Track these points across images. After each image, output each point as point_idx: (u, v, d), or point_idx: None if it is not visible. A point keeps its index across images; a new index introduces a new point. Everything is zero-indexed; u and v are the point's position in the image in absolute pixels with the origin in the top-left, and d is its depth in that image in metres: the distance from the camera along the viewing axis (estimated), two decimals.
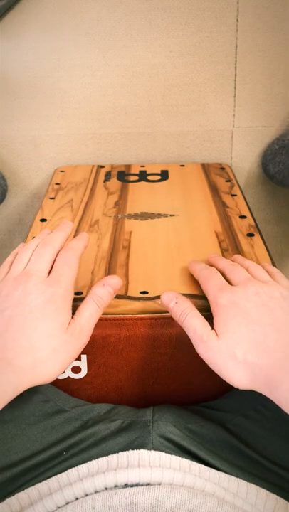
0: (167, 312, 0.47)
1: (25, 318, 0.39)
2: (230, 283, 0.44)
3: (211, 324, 0.41)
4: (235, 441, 0.42)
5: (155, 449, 0.40)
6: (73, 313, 0.42)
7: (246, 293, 0.42)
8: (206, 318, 0.42)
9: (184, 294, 0.48)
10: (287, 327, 0.39)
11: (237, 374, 0.38)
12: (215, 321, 0.41)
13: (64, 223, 0.50)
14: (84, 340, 0.41)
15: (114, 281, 0.44)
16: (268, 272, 0.46)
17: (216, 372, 0.40)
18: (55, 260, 0.45)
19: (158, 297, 0.48)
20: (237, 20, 0.81)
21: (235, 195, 0.72)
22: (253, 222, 0.63)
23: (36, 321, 0.39)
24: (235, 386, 0.39)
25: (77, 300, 0.47)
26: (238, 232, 0.60)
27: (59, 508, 0.36)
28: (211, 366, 0.40)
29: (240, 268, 0.46)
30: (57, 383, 0.48)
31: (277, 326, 0.39)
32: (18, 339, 0.38)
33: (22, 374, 0.37)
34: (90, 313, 0.42)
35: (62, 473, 0.39)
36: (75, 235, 0.60)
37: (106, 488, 0.37)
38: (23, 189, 0.94)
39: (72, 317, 0.41)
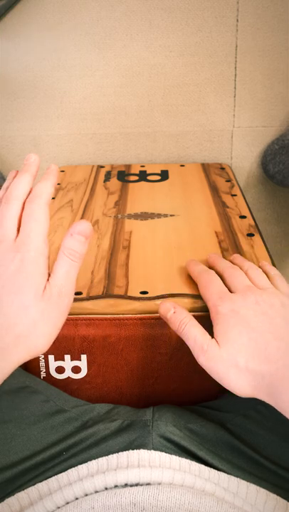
0: None
1: None
2: (229, 288, 0.44)
3: (210, 333, 0.41)
4: (236, 441, 0.42)
5: (155, 449, 0.40)
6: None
7: (246, 301, 0.41)
8: (205, 318, 0.42)
9: (184, 294, 0.48)
10: (288, 335, 0.39)
11: (239, 382, 0.38)
12: (215, 330, 0.41)
13: (27, 166, 0.43)
14: (65, 301, 0.38)
15: (83, 227, 0.39)
16: (267, 274, 0.46)
17: (218, 381, 0.39)
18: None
19: (158, 297, 0.48)
20: (237, 20, 0.81)
21: (235, 195, 0.72)
22: (253, 222, 0.63)
23: (10, 295, 0.36)
24: (237, 394, 0.38)
25: (77, 300, 0.47)
26: (238, 232, 0.60)
27: (59, 508, 0.36)
28: (213, 375, 0.39)
29: (239, 273, 0.46)
30: (57, 383, 0.48)
31: (278, 334, 0.39)
32: None
33: (6, 354, 0.35)
34: (65, 269, 0.38)
35: (62, 473, 0.39)
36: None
37: (106, 488, 0.37)
38: None
39: (47, 280, 0.38)
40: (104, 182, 0.79)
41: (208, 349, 0.39)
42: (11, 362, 0.35)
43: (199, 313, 0.46)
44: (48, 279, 0.38)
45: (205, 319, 0.46)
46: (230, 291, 0.44)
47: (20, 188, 0.40)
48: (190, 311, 0.46)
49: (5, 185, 0.41)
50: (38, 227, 0.38)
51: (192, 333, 0.41)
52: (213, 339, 0.40)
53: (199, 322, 0.47)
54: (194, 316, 0.46)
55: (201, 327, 0.41)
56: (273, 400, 0.36)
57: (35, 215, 0.39)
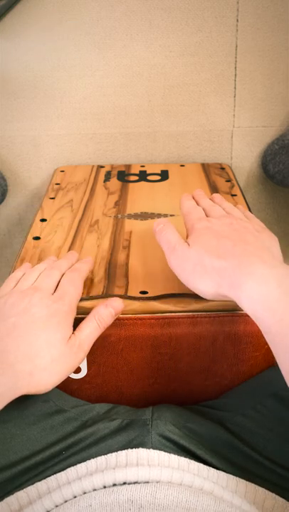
0: (167, 312, 0.47)
1: (29, 326, 0.40)
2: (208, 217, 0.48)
3: None
4: (235, 440, 0.43)
5: (154, 448, 0.40)
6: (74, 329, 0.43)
7: (221, 221, 0.45)
8: (206, 319, 0.43)
9: (183, 294, 0.48)
10: (257, 245, 0.41)
11: (204, 280, 0.41)
12: (189, 238, 0.45)
13: (70, 253, 0.53)
14: (81, 355, 0.42)
15: (117, 304, 0.45)
16: (243, 214, 0.50)
17: (183, 281, 0.43)
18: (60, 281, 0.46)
19: (158, 297, 0.48)
20: (237, 20, 0.81)
21: (235, 195, 0.72)
22: None
23: (39, 330, 0.40)
24: (201, 294, 0.42)
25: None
26: None
27: (57, 506, 0.36)
28: (180, 275, 0.43)
29: (218, 207, 0.50)
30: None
31: (246, 242, 0.42)
32: (19, 345, 0.39)
33: (20, 379, 0.37)
34: (90, 330, 0.43)
35: (61, 473, 0.39)
36: (74, 236, 0.60)
37: (104, 487, 0.37)
38: (23, 189, 0.94)
39: (73, 332, 0.43)
40: (104, 182, 0.79)
41: (179, 248, 0.44)
42: (20, 388, 0.37)
43: (200, 313, 0.47)
44: (73, 332, 0.43)
45: (206, 320, 0.47)
46: None
47: (63, 264, 0.49)
48: (190, 311, 0.47)
49: (17, 274, 0.49)
50: (74, 291, 0.45)
51: (168, 237, 0.46)
52: (186, 243, 0.44)
53: (200, 323, 0.47)
54: (195, 316, 0.47)
55: (178, 235, 0.46)
56: (233, 293, 0.38)
57: (73, 281, 0.46)
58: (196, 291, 0.42)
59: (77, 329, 0.43)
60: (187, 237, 0.45)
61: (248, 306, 0.37)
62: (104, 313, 0.45)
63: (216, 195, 0.55)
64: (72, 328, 0.43)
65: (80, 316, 0.44)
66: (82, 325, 0.44)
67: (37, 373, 0.38)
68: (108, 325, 0.45)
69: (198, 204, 0.52)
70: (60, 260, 0.50)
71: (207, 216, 0.48)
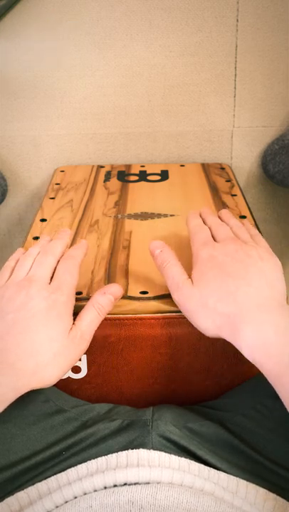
0: (167, 312, 0.47)
1: (28, 322, 0.39)
2: (214, 238, 0.48)
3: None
4: (235, 441, 0.42)
5: (154, 449, 0.40)
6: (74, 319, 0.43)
7: (226, 249, 0.45)
8: None
9: None
10: (259, 284, 0.41)
11: (206, 321, 0.41)
12: (193, 271, 0.44)
13: (62, 231, 0.51)
14: (84, 346, 0.42)
15: (115, 290, 0.45)
16: (249, 233, 0.49)
17: (187, 318, 0.43)
18: (55, 268, 0.45)
19: (158, 297, 0.48)
20: (237, 20, 0.81)
21: (235, 195, 0.72)
22: (253, 222, 0.63)
23: (39, 325, 0.40)
24: (203, 332, 0.42)
25: (78, 300, 0.47)
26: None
27: (58, 507, 0.36)
28: (184, 312, 0.43)
29: (225, 227, 0.49)
30: (57, 383, 0.48)
31: (249, 282, 0.41)
32: (20, 342, 0.38)
33: (23, 377, 0.37)
34: (90, 319, 0.43)
35: (62, 473, 0.39)
36: (74, 235, 0.60)
37: (105, 488, 0.37)
38: (23, 189, 0.94)
39: (73, 323, 0.42)
40: (104, 182, 0.79)
41: (183, 287, 0.43)
42: (23, 386, 0.37)
43: None
44: (74, 323, 0.42)
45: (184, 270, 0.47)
46: (216, 241, 0.47)
47: (57, 247, 0.47)
48: None
49: (10, 263, 0.47)
50: (71, 279, 0.44)
51: (171, 272, 0.45)
52: (190, 279, 0.44)
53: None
54: None
55: (182, 268, 0.45)
56: (234, 339, 0.39)
57: (69, 268, 0.45)
58: (198, 329, 0.42)
59: (77, 319, 0.42)
60: (192, 266, 0.45)
61: (248, 354, 0.38)
62: (104, 300, 0.44)
63: (223, 212, 0.54)
64: (72, 319, 0.42)
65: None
66: (82, 314, 0.43)
67: (40, 370, 0.38)
68: (108, 312, 0.44)
69: (205, 222, 0.52)
70: (54, 241, 0.48)
71: (213, 236, 0.48)
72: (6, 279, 0.45)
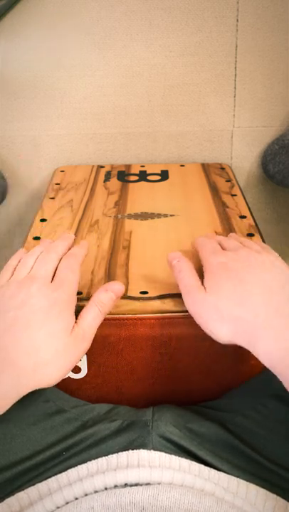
0: (167, 312, 0.47)
1: (29, 319, 0.39)
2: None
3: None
4: (235, 441, 0.42)
5: (155, 449, 0.40)
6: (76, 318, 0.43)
7: (237, 255, 0.44)
8: None
9: None
10: (274, 291, 0.40)
11: (220, 327, 0.40)
12: (205, 279, 0.43)
13: (65, 234, 0.51)
14: (86, 344, 0.41)
15: (117, 287, 0.45)
16: (260, 246, 0.49)
17: (201, 325, 0.42)
18: (57, 267, 0.45)
19: (158, 297, 0.48)
20: (237, 20, 0.81)
21: (235, 195, 0.72)
22: (253, 222, 0.63)
23: (39, 322, 0.39)
24: (217, 339, 0.41)
25: (78, 300, 0.47)
26: (238, 232, 0.60)
27: (58, 508, 0.36)
28: (197, 319, 0.42)
29: (234, 240, 0.49)
30: (57, 383, 0.48)
31: (264, 288, 0.40)
32: (20, 339, 0.38)
33: (24, 376, 0.37)
34: (92, 317, 0.42)
35: (62, 474, 0.39)
36: (74, 235, 0.60)
37: (105, 488, 0.37)
38: (23, 189, 0.94)
39: (75, 321, 0.42)
40: (104, 182, 0.79)
41: (196, 293, 0.42)
42: (25, 385, 0.37)
43: None
44: (75, 321, 0.41)
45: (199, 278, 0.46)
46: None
47: (59, 246, 0.47)
48: None
49: (12, 262, 0.47)
50: (72, 277, 0.44)
51: (185, 279, 0.44)
52: (203, 286, 0.43)
53: None
54: None
55: (196, 275, 0.44)
56: (251, 345, 0.38)
57: (71, 266, 0.45)
58: (212, 336, 0.41)
59: (79, 318, 0.42)
60: (203, 275, 0.44)
61: (266, 361, 0.37)
62: (105, 298, 0.44)
63: (232, 235, 0.54)
64: (74, 317, 0.41)
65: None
66: (84, 313, 0.42)
67: (41, 368, 0.38)
68: (110, 309, 0.44)
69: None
70: (56, 242, 0.49)
71: (222, 248, 0.47)
72: (7, 277, 0.45)
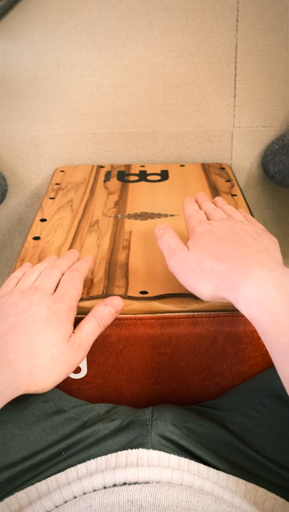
0: (167, 312, 0.47)
1: (29, 325, 0.40)
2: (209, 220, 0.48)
3: None
4: (235, 441, 0.43)
5: (154, 449, 0.40)
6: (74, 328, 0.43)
7: (221, 224, 0.46)
8: (207, 319, 0.42)
9: (183, 294, 0.48)
10: (256, 248, 0.42)
11: (203, 283, 0.41)
12: (189, 241, 0.45)
13: (71, 252, 0.53)
14: (82, 354, 0.42)
15: (117, 303, 0.45)
16: (245, 218, 0.50)
17: (183, 283, 0.43)
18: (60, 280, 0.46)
19: (158, 297, 0.48)
20: (237, 20, 0.81)
21: (236, 195, 0.72)
22: None
23: (39, 329, 0.40)
24: (199, 296, 0.42)
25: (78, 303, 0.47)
26: None
27: (57, 507, 0.36)
28: (180, 278, 0.44)
29: (220, 211, 0.50)
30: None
31: (246, 245, 0.42)
32: (19, 343, 0.39)
33: (20, 377, 0.37)
34: (90, 329, 0.43)
35: (61, 473, 0.39)
36: (74, 235, 0.60)
37: (104, 487, 0.37)
38: (23, 189, 0.94)
39: (73, 331, 0.42)
40: (104, 182, 0.79)
41: (178, 251, 0.44)
42: (20, 386, 0.37)
43: (200, 313, 0.47)
44: (74, 331, 0.43)
45: (206, 320, 0.47)
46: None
47: (64, 263, 0.49)
48: (190, 311, 0.47)
49: (17, 274, 0.49)
50: (74, 290, 0.45)
51: (168, 241, 0.46)
52: (186, 246, 0.44)
53: (200, 323, 0.47)
54: (195, 316, 0.46)
55: (178, 238, 0.46)
56: (231, 293, 0.39)
57: (73, 280, 0.46)
58: (195, 293, 0.43)
59: (77, 328, 0.43)
60: (188, 240, 0.45)
61: (245, 309, 0.37)
62: (104, 311, 0.44)
63: (218, 199, 0.55)
64: (72, 327, 0.43)
65: (79, 316, 0.44)
66: (82, 324, 0.43)
67: (37, 372, 0.38)
68: (108, 324, 0.45)
69: (200, 207, 0.52)
70: (61, 259, 0.50)
71: (209, 219, 0.48)
72: (11, 287, 0.46)
